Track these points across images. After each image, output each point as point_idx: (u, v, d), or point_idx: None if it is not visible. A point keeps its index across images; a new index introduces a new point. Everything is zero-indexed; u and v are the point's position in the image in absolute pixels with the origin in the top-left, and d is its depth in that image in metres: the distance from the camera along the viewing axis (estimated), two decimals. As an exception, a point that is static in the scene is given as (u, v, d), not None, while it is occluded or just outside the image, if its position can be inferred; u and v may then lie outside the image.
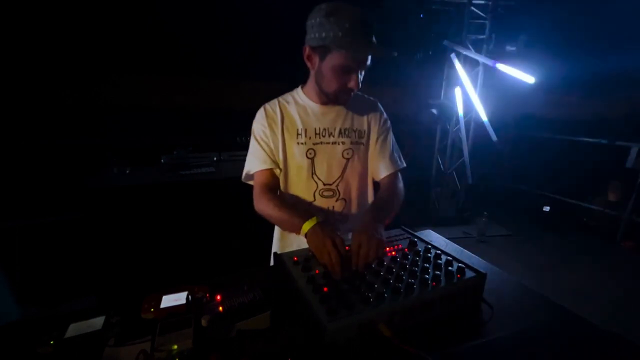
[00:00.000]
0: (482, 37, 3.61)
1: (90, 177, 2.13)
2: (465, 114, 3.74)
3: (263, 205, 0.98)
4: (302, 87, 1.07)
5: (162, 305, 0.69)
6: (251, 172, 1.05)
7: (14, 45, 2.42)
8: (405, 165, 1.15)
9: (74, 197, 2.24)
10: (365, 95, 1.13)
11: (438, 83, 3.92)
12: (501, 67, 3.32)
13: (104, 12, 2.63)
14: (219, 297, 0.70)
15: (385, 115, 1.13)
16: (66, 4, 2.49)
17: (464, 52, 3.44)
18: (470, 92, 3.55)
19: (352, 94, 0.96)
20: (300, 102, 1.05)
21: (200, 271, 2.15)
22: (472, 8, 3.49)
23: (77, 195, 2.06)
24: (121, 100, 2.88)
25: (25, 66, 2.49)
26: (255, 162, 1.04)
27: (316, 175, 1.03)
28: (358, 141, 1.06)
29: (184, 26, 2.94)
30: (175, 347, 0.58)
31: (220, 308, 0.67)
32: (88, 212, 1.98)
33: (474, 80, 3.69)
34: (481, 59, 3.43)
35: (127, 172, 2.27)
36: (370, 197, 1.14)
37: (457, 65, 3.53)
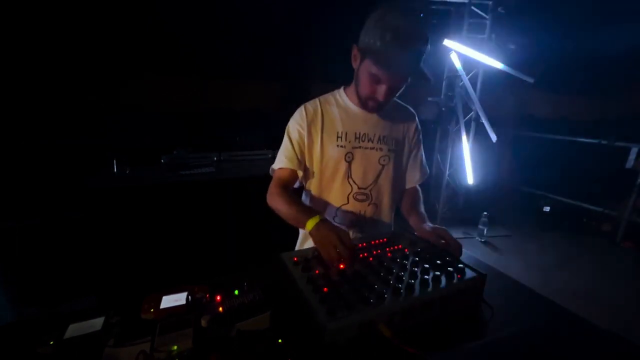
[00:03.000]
0: (482, 37, 3.61)
1: (90, 177, 2.13)
2: (465, 114, 3.74)
3: (274, 200, 1.00)
4: (344, 88, 1.08)
5: (162, 306, 0.69)
6: (276, 168, 1.07)
7: (14, 44, 2.42)
8: (428, 170, 1.22)
9: (74, 197, 2.24)
10: (404, 104, 1.15)
11: (438, 83, 3.92)
12: (501, 67, 3.32)
13: (102, 12, 2.63)
14: (219, 297, 0.70)
15: (419, 127, 1.16)
16: (65, 4, 2.49)
17: (464, 52, 3.44)
18: (470, 92, 3.55)
19: (379, 104, 0.97)
20: (342, 104, 1.06)
21: (200, 271, 2.15)
22: (472, 8, 3.49)
23: (77, 195, 2.05)
24: (121, 100, 2.88)
25: (24, 66, 2.49)
26: (281, 159, 1.05)
27: (352, 179, 1.05)
28: (394, 149, 1.08)
29: (183, 26, 2.93)
30: (175, 347, 0.58)
31: (220, 308, 0.67)
32: (88, 212, 1.97)
33: (474, 81, 3.69)
34: (481, 58, 3.42)
35: (127, 172, 2.26)
36: (396, 203, 1.18)
37: (457, 65, 3.53)
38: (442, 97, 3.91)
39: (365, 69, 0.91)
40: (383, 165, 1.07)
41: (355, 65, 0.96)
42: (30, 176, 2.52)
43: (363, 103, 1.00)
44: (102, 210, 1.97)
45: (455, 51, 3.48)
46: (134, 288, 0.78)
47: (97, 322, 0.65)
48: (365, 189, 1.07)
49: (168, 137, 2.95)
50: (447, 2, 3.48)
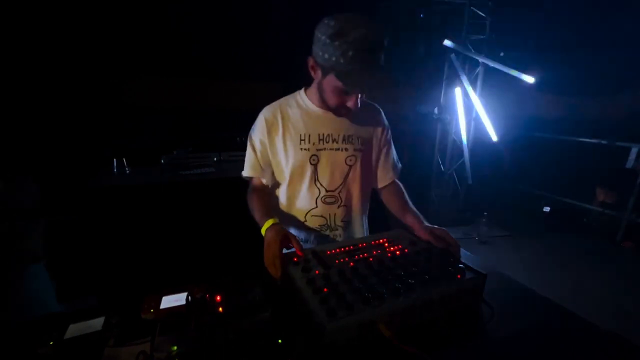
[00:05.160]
0: (482, 37, 3.61)
1: (90, 177, 2.13)
2: (465, 114, 3.74)
3: (248, 203, 1.06)
4: (305, 90, 1.04)
5: (162, 306, 0.69)
6: (244, 176, 1.11)
7: (14, 45, 2.42)
8: (401, 165, 1.19)
9: (74, 197, 2.24)
10: (368, 101, 1.12)
11: (438, 83, 3.92)
12: (501, 67, 3.32)
13: (102, 13, 2.63)
14: (219, 297, 0.70)
15: (387, 123, 1.14)
16: (65, 7, 2.49)
17: (464, 52, 3.44)
18: (470, 92, 3.55)
19: (351, 110, 0.95)
20: (303, 106, 1.02)
21: (200, 271, 2.14)
22: (472, 8, 3.49)
23: (77, 195, 2.06)
24: (121, 100, 2.88)
25: (25, 66, 2.49)
26: (247, 168, 1.09)
27: (319, 182, 1.03)
28: (361, 148, 1.05)
29: (184, 27, 2.94)
30: (175, 347, 0.58)
31: (220, 308, 0.67)
32: (88, 212, 1.97)
33: (473, 81, 3.69)
34: (481, 58, 3.43)
35: (127, 172, 2.27)
36: (368, 203, 1.17)
37: (457, 65, 3.53)
38: (441, 97, 3.91)
39: (330, 83, 0.88)
40: (350, 166, 1.04)
41: (315, 77, 0.93)
42: (30, 176, 2.52)
43: (333, 110, 0.98)
44: (102, 210, 1.97)
45: (455, 51, 3.48)
46: (134, 288, 0.78)
47: (97, 322, 0.65)
48: (333, 191, 1.04)
49: (168, 137, 2.95)
50: (447, 2, 3.48)
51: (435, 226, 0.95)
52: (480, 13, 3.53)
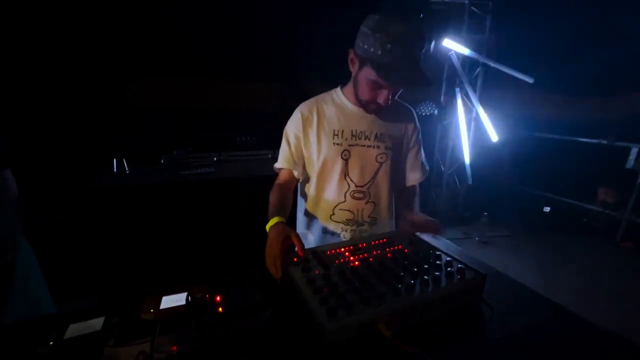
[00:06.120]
0: (482, 37, 3.61)
1: (90, 177, 2.13)
2: (465, 114, 3.74)
3: (270, 194, 1.05)
4: (341, 87, 1.09)
5: (162, 306, 0.69)
6: (276, 168, 1.13)
7: (14, 45, 2.42)
8: (428, 168, 1.22)
9: (73, 197, 2.24)
10: (402, 102, 1.15)
11: (438, 83, 3.92)
12: (501, 66, 3.32)
13: (102, 13, 2.63)
14: (218, 297, 0.70)
15: (418, 125, 1.16)
16: (65, 6, 2.49)
17: (464, 52, 3.44)
18: (470, 92, 3.55)
19: (382, 107, 0.98)
20: (338, 103, 1.07)
21: (200, 271, 2.15)
22: (472, 8, 3.49)
23: (77, 195, 2.06)
24: (121, 100, 2.88)
25: (25, 65, 2.49)
26: (280, 160, 1.11)
27: (349, 177, 1.06)
28: (392, 147, 1.08)
29: (184, 27, 2.93)
30: (175, 347, 0.58)
31: (220, 308, 0.67)
32: (88, 212, 1.98)
33: (473, 81, 3.69)
34: (481, 58, 3.42)
35: (127, 172, 2.27)
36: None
37: (457, 65, 3.52)
38: (441, 97, 3.91)
39: (365, 75, 0.91)
40: (380, 163, 1.07)
41: (353, 69, 0.97)
42: (30, 176, 2.51)
43: (364, 106, 1.01)
44: (102, 210, 1.97)
45: (455, 51, 3.48)
46: (134, 288, 0.78)
47: (97, 322, 0.65)
48: (362, 186, 1.07)
49: (168, 137, 2.95)
50: (447, 2, 3.48)
51: (415, 216, 0.99)
52: (481, 13, 3.53)
